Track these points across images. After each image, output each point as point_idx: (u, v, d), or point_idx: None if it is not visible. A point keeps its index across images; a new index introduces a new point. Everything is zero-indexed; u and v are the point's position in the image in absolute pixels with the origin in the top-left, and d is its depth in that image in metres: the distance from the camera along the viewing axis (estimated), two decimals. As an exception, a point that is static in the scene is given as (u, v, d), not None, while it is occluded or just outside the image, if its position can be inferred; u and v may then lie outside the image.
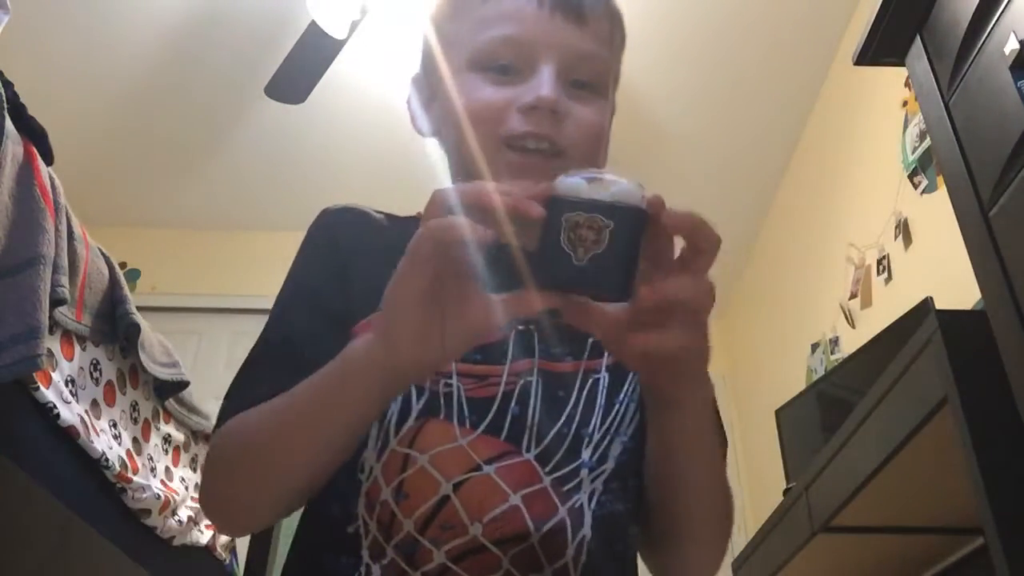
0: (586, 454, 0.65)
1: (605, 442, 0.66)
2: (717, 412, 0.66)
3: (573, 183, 0.48)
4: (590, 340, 0.69)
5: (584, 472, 0.64)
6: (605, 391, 0.68)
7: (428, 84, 0.77)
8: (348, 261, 0.70)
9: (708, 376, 0.56)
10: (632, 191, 0.48)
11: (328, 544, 0.63)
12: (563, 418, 0.65)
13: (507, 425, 0.64)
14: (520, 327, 0.67)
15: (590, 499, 0.63)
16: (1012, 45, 0.92)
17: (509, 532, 0.60)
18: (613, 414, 0.67)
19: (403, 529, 0.61)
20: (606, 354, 0.69)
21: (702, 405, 0.59)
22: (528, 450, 0.63)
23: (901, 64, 1.22)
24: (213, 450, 0.64)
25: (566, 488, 0.63)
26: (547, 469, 0.63)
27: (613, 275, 0.47)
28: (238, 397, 0.64)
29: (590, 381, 0.68)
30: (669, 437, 0.60)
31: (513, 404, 0.64)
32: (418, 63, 0.80)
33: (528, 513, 0.61)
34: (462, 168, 0.73)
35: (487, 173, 0.68)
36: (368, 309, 0.64)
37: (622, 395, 0.68)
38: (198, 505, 1.65)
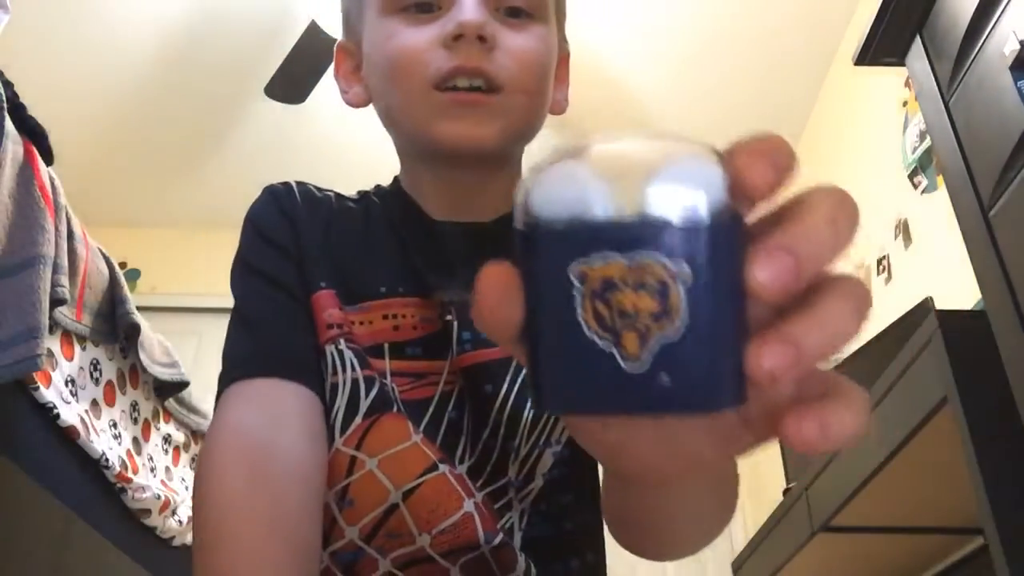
0: (512, 471, 0.57)
1: (533, 455, 0.58)
2: None
3: (568, 187, 0.23)
4: None
5: (512, 491, 0.57)
6: None
7: (354, 47, 0.69)
8: (299, 234, 0.63)
9: None
10: (704, 170, 0.24)
11: None
12: (489, 426, 0.57)
13: (443, 430, 0.57)
14: (448, 316, 0.59)
15: (520, 520, 0.57)
16: (1012, 45, 0.92)
17: (460, 542, 0.55)
18: (542, 419, 0.58)
19: (344, 537, 0.56)
20: None
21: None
22: (462, 461, 0.57)
23: (901, 64, 1.22)
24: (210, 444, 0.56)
25: (497, 506, 0.57)
26: (479, 483, 0.57)
27: (712, 375, 0.24)
28: (232, 371, 0.58)
29: (523, 371, 0.58)
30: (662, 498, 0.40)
31: (451, 408, 0.58)
32: (342, 30, 0.72)
33: (480, 522, 0.55)
34: (394, 128, 0.66)
35: (421, 127, 0.61)
36: (320, 277, 0.60)
37: None
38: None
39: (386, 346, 0.59)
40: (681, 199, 0.23)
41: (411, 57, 0.60)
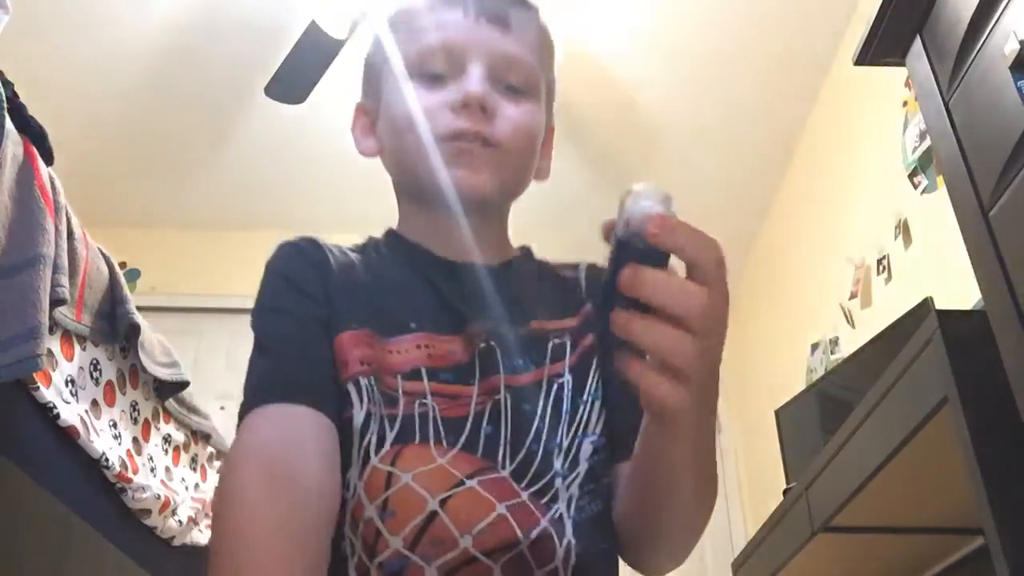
0: (557, 463, 0.65)
1: (575, 446, 0.67)
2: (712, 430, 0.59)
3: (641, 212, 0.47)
4: (550, 345, 0.70)
5: (559, 482, 0.65)
6: (569, 394, 0.69)
7: (371, 108, 0.80)
8: (328, 282, 0.71)
9: (716, 391, 0.53)
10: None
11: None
12: (531, 434, 0.65)
13: (481, 443, 0.64)
14: (482, 344, 0.68)
15: (568, 506, 0.64)
16: (1012, 45, 0.92)
17: (499, 541, 0.60)
18: (579, 416, 0.68)
19: (389, 547, 0.60)
20: (567, 356, 0.70)
21: (697, 432, 0.55)
22: (504, 467, 0.64)
23: (901, 64, 1.22)
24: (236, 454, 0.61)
25: (544, 500, 0.63)
26: (523, 484, 0.63)
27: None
28: (253, 398, 0.63)
29: (554, 387, 0.68)
30: (657, 451, 0.58)
31: (485, 423, 0.65)
32: (360, 89, 0.83)
33: (514, 521, 0.61)
34: (405, 177, 0.77)
35: (429, 172, 0.71)
36: (350, 319, 0.67)
37: (586, 394, 0.69)
38: (198, 505, 1.66)
39: (423, 370, 0.66)
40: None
41: (426, 116, 0.72)
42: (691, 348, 0.46)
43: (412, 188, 0.77)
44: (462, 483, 0.62)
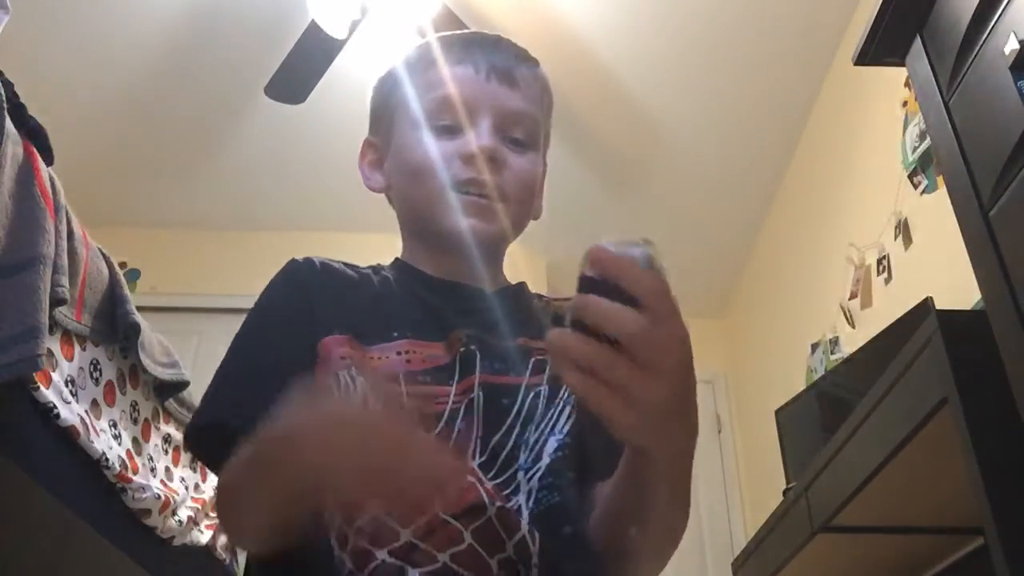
0: (522, 457, 0.69)
1: (540, 442, 0.70)
2: (688, 472, 0.60)
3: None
4: (532, 360, 0.75)
5: (520, 475, 0.68)
6: (544, 400, 0.73)
7: (380, 145, 0.87)
8: (313, 294, 0.76)
9: (684, 435, 0.54)
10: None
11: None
12: (503, 429, 0.69)
13: (453, 437, 0.67)
14: (462, 349, 0.72)
15: (527, 499, 0.67)
16: (1012, 45, 0.92)
17: (466, 503, 0.63)
18: (548, 416, 0.72)
19: (365, 514, 0.64)
20: (546, 370, 0.74)
21: (671, 460, 0.55)
22: (474, 457, 0.67)
23: (901, 64, 1.22)
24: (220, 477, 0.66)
25: (505, 492, 0.66)
26: (489, 475, 0.66)
27: None
28: (214, 412, 0.69)
29: (531, 394, 0.73)
30: (632, 474, 0.62)
31: (460, 420, 0.68)
32: (369, 127, 0.90)
33: (483, 491, 0.65)
34: (413, 215, 0.84)
35: (440, 217, 0.78)
36: (331, 326, 0.71)
37: (558, 399, 0.73)
38: (198, 505, 1.66)
39: (400, 374, 0.70)
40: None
41: (436, 163, 0.78)
42: (626, 370, 0.47)
43: (419, 227, 0.83)
44: None
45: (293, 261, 0.80)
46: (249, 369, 0.72)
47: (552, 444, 0.70)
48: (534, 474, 0.68)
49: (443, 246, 0.80)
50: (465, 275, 0.81)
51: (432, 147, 0.79)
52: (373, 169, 0.87)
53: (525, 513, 0.66)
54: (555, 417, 0.72)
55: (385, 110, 0.86)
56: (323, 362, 0.70)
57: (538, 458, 0.69)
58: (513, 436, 0.69)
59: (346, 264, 0.83)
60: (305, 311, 0.74)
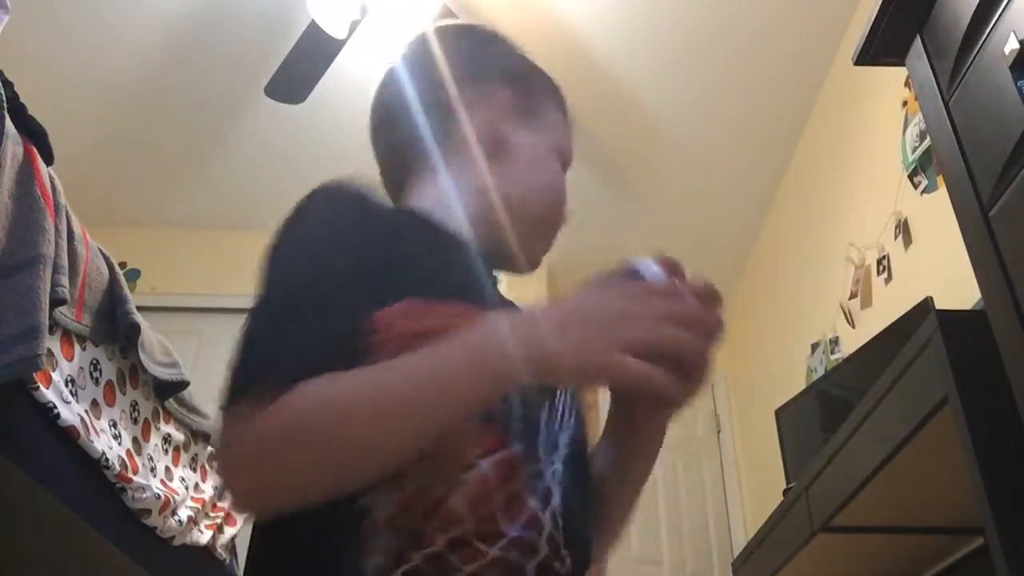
0: (543, 444, 0.71)
1: (561, 431, 0.73)
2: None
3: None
4: None
5: (543, 455, 0.69)
6: (571, 392, 0.76)
7: (526, 123, 0.84)
8: (374, 235, 0.70)
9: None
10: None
11: (328, 526, 0.59)
12: (539, 415, 0.70)
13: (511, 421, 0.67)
14: None
15: (552, 478, 0.69)
16: (1012, 45, 0.92)
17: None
18: (561, 410, 0.75)
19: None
20: None
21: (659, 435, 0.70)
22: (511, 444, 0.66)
23: (901, 64, 1.22)
24: (277, 420, 0.56)
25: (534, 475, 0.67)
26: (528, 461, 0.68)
27: None
28: (283, 366, 0.61)
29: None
30: (625, 445, 0.74)
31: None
32: (495, 79, 0.84)
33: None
34: (514, 213, 0.80)
35: (535, 239, 0.82)
36: (395, 286, 0.64)
37: (564, 395, 0.76)
38: (198, 505, 1.66)
39: None
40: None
41: (562, 198, 0.84)
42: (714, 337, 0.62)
43: (502, 223, 0.81)
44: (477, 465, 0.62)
45: (356, 188, 0.77)
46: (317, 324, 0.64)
47: (565, 436, 0.73)
48: (555, 460, 0.71)
49: (500, 249, 0.80)
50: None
51: (561, 180, 0.84)
52: (516, 128, 0.82)
53: (555, 493, 0.66)
54: (566, 414, 0.74)
55: (532, 97, 0.85)
56: (386, 328, 0.63)
57: (559, 447, 0.72)
58: (542, 422, 0.71)
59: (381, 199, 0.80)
60: (379, 260, 0.69)
